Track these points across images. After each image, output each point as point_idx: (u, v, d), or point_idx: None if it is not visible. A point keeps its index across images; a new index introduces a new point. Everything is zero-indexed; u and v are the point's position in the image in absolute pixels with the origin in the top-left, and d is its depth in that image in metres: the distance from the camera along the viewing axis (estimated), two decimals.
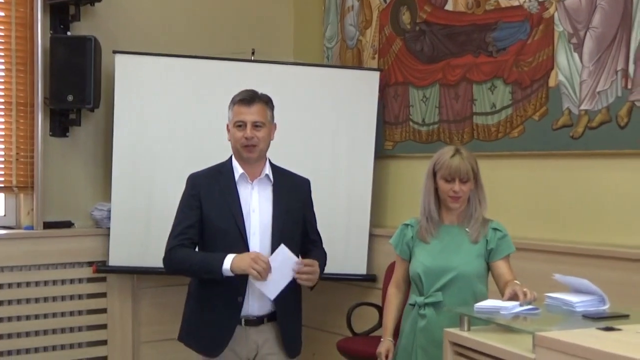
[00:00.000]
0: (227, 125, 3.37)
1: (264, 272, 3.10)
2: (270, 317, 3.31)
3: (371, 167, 5.33)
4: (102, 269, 5.19)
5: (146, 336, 5.38)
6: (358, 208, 5.33)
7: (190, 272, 3.34)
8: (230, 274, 3.14)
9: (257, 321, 3.30)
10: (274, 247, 3.23)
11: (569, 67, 4.23)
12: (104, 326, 5.27)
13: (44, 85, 5.09)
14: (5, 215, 5.23)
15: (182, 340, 3.47)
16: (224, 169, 3.37)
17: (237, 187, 3.31)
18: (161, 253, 4.97)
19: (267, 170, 3.36)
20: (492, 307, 2.87)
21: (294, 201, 3.38)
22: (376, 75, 5.38)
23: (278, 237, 3.25)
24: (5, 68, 5.13)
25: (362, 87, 5.37)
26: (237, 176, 3.32)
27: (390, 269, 4.99)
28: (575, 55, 4.19)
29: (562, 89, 4.26)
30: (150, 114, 5.15)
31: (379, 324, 5.02)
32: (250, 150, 3.28)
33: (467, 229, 3.27)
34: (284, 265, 3.17)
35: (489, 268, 3.27)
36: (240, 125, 3.27)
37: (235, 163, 3.35)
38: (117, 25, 5.44)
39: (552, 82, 4.32)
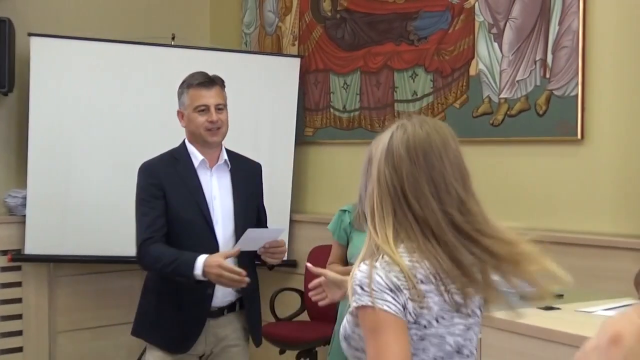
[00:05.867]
0: (180, 112, 3.22)
1: (234, 282, 3.00)
2: (230, 307, 3.22)
3: (292, 153, 5.36)
4: (18, 258, 5.05)
5: (62, 325, 5.27)
6: (279, 194, 5.34)
7: (162, 274, 3.12)
8: (203, 279, 2.99)
9: (217, 313, 3.19)
10: (237, 235, 3.15)
11: (489, 57, 4.36)
12: (19, 316, 5.14)
13: None
14: None
15: (140, 336, 3.30)
16: (180, 155, 3.21)
17: (198, 174, 3.19)
18: (78, 240, 4.97)
19: (225, 155, 3.26)
20: None
21: (251, 187, 3.32)
22: (296, 62, 5.41)
23: (241, 225, 3.17)
24: None
25: (282, 74, 5.39)
26: (196, 163, 3.19)
27: (312, 254, 5.05)
28: (496, 45, 4.32)
29: (483, 78, 4.38)
30: (67, 98, 5.03)
31: (302, 309, 5.07)
32: (215, 133, 3.16)
33: None
34: (256, 242, 3.12)
35: None
36: (202, 109, 3.14)
37: (192, 149, 3.21)
38: (32, 6, 5.28)
39: (472, 71, 4.44)
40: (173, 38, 5.42)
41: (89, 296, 5.33)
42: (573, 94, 3.97)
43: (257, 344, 3.34)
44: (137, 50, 5.18)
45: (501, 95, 4.30)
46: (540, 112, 4.12)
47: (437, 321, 1.77)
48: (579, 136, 3.97)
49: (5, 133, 5.24)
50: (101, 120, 5.07)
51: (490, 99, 4.35)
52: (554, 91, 4.06)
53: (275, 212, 5.35)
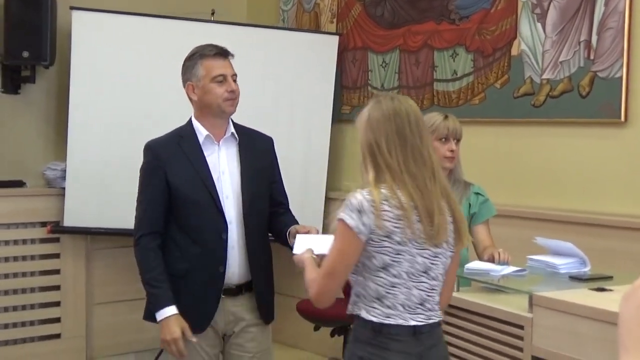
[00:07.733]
0: (191, 85, 3.09)
1: (172, 352, 3.02)
2: (247, 286, 3.13)
3: (328, 130, 5.38)
4: (57, 230, 5.11)
5: (99, 297, 5.34)
6: (315, 171, 5.38)
7: (141, 280, 3.10)
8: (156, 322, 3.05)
9: (235, 291, 3.11)
10: (246, 210, 3.10)
11: (531, 37, 4.33)
12: (57, 287, 5.20)
13: None
14: None
15: (153, 320, 3.12)
16: (185, 133, 3.11)
17: (203, 150, 3.11)
18: (115, 213, 5.00)
19: (232, 128, 3.17)
20: (480, 269, 2.96)
21: (262, 160, 3.23)
22: (335, 39, 5.40)
23: (249, 199, 3.11)
24: None
25: (320, 51, 5.39)
26: (201, 139, 3.08)
27: None
28: (539, 25, 4.30)
29: (525, 58, 4.37)
30: (107, 72, 5.06)
31: None
32: (233, 103, 3.09)
33: None
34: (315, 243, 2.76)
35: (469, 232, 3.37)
36: (220, 80, 3.03)
37: (197, 125, 3.09)
38: None
39: (514, 51, 4.42)
40: (213, 13, 5.43)
41: (124, 269, 5.36)
42: (617, 75, 3.95)
43: (267, 322, 3.25)
44: (177, 25, 5.18)
45: (543, 76, 4.28)
46: (584, 94, 4.10)
47: (411, 243, 2.33)
48: (623, 118, 3.96)
49: (46, 106, 5.29)
50: (140, 94, 5.10)
51: (532, 79, 4.34)
52: (598, 72, 4.04)
53: (311, 189, 5.39)
